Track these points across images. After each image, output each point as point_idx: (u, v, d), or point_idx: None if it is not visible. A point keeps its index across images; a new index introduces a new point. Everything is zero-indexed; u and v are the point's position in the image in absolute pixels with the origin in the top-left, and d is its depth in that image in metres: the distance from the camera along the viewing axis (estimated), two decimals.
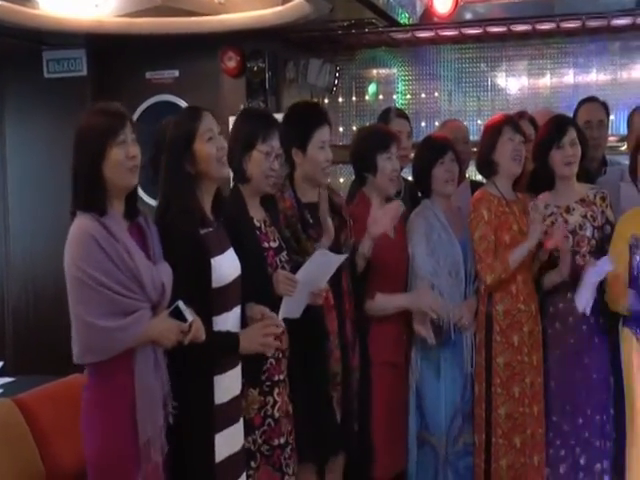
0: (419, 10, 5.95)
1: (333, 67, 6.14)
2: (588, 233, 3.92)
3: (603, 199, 3.97)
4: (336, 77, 6.23)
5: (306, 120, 3.56)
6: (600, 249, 3.90)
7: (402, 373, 3.99)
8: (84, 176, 2.70)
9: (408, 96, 6.32)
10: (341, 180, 6.18)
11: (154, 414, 2.72)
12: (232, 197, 3.25)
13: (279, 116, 3.76)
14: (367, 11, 5.55)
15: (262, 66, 5.58)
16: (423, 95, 6.29)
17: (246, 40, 5.50)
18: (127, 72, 5.84)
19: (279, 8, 5.21)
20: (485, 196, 3.97)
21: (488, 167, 4.02)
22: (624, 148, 4.98)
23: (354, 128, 6.10)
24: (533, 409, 3.89)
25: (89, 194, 2.70)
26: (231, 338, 2.96)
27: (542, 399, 3.94)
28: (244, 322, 3.07)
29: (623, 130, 5.02)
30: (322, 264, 3.29)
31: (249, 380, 3.14)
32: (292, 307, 3.21)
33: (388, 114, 4.60)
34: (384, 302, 3.85)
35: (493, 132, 4.00)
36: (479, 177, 4.44)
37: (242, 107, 5.10)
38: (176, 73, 5.82)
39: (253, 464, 3.15)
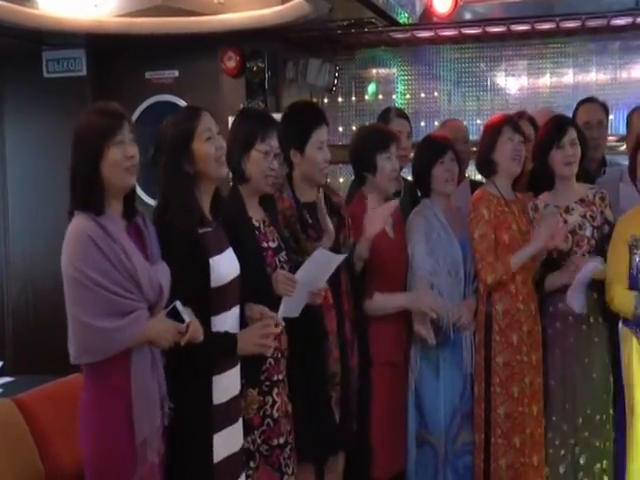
0: (418, 10, 5.95)
1: (332, 67, 6.14)
2: (588, 233, 3.92)
3: (602, 199, 3.97)
4: (335, 77, 6.22)
5: (304, 121, 3.56)
6: (599, 249, 3.90)
7: (401, 373, 3.99)
8: (82, 176, 2.70)
9: (407, 96, 6.32)
10: (341, 180, 6.18)
11: (151, 414, 2.72)
12: (231, 197, 3.25)
13: (278, 116, 3.76)
14: (366, 11, 5.54)
15: (262, 66, 5.58)
16: (422, 95, 6.28)
17: (246, 40, 5.50)
18: (127, 72, 5.85)
19: (279, 8, 5.21)
20: (484, 195, 3.97)
21: (488, 167, 4.02)
22: (623, 148, 4.98)
23: (354, 128, 6.10)
24: (532, 409, 3.89)
25: (87, 194, 2.69)
26: (229, 339, 2.96)
27: (541, 399, 3.94)
28: (243, 322, 3.07)
29: (622, 130, 5.02)
30: (321, 264, 3.29)
31: (248, 380, 3.14)
32: (291, 307, 3.21)
33: (388, 114, 4.60)
34: (383, 302, 3.85)
35: (493, 132, 4.00)
36: (479, 177, 4.44)
37: (242, 107, 5.10)
38: (176, 73, 5.82)
39: (252, 464, 3.15)
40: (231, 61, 5.62)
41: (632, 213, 3.83)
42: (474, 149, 4.48)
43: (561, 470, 3.94)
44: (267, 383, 3.19)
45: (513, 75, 6.14)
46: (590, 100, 4.74)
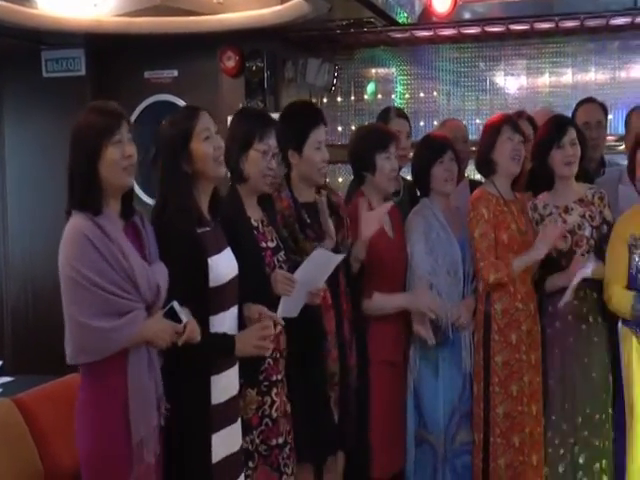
0: (418, 9, 5.94)
1: (332, 66, 6.14)
2: (587, 233, 3.92)
3: (601, 199, 3.98)
4: (335, 76, 6.23)
5: (302, 121, 3.56)
6: (598, 249, 3.90)
7: (400, 372, 4.00)
8: (80, 175, 2.70)
9: (407, 95, 6.32)
10: (340, 179, 6.18)
11: (147, 414, 2.72)
12: (229, 197, 3.25)
13: (277, 116, 3.76)
14: (366, 10, 5.54)
15: (261, 65, 5.58)
16: (422, 94, 6.28)
17: (245, 40, 5.50)
18: (126, 72, 5.85)
19: (278, 8, 5.22)
20: (484, 195, 3.98)
21: (487, 166, 4.02)
22: (622, 147, 4.98)
23: (353, 127, 6.10)
24: (531, 408, 3.90)
25: (84, 193, 2.69)
26: (227, 340, 2.96)
27: (540, 398, 3.94)
28: (241, 322, 3.07)
29: (622, 129, 5.02)
30: (320, 263, 3.29)
31: (247, 380, 3.14)
32: (290, 307, 3.21)
33: (388, 114, 4.60)
34: (382, 302, 3.86)
35: (492, 131, 4.00)
36: (478, 176, 4.44)
37: (241, 106, 5.10)
38: (175, 73, 5.82)
39: (251, 464, 3.15)
40: (230, 61, 5.62)
41: (631, 213, 3.83)
42: (473, 149, 4.48)
43: (560, 469, 3.95)
44: (266, 383, 3.19)
45: (512, 75, 6.14)
46: (589, 100, 4.74)
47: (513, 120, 4.06)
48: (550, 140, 3.94)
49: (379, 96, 6.40)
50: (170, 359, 2.84)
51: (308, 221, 3.51)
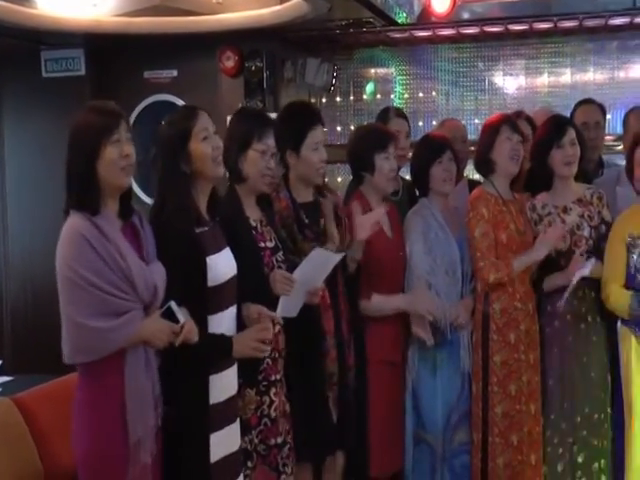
0: (417, 9, 5.95)
1: (331, 66, 6.14)
2: (586, 233, 3.93)
3: (600, 199, 3.98)
4: (334, 76, 6.23)
5: (299, 121, 3.56)
6: (597, 249, 3.91)
7: (399, 372, 4.00)
8: (78, 174, 2.70)
9: (406, 95, 6.32)
10: (339, 179, 6.18)
11: (144, 415, 2.72)
12: (228, 197, 3.25)
13: (275, 116, 3.77)
14: (365, 10, 5.55)
15: (260, 65, 5.58)
16: (421, 94, 6.28)
17: (244, 40, 5.50)
18: (125, 71, 5.85)
19: (277, 7, 5.22)
20: (483, 195, 3.98)
21: (486, 166, 4.03)
22: (621, 147, 4.99)
23: (352, 127, 6.09)
24: (530, 407, 3.90)
25: (83, 193, 2.69)
26: (224, 341, 2.96)
27: (539, 398, 3.95)
28: (240, 322, 3.08)
29: (620, 129, 5.01)
30: (319, 263, 3.29)
31: (246, 380, 3.14)
32: (289, 306, 3.22)
33: (387, 113, 4.60)
34: (381, 303, 3.86)
35: (491, 131, 4.01)
36: (477, 176, 4.45)
37: (240, 106, 5.10)
38: (174, 72, 5.82)
39: (250, 464, 3.16)
40: (229, 61, 5.62)
41: (629, 212, 3.84)
42: (472, 149, 4.48)
43: (559, 469, 3.95)
44: (264, 383, 3.19)
45: (511, 75, 6.13)
46: (588, 101, 4.75)
47: (512, 120, 4.07)
48: (550, 140, 3.94)
49: (378, 96, 6.39)
50: (168, 359, 2.84)
51: (306, 221, 3.51)
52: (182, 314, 2.75)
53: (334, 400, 3.52)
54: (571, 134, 3.95)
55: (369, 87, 6.44)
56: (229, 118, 3.43)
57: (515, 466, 3.89)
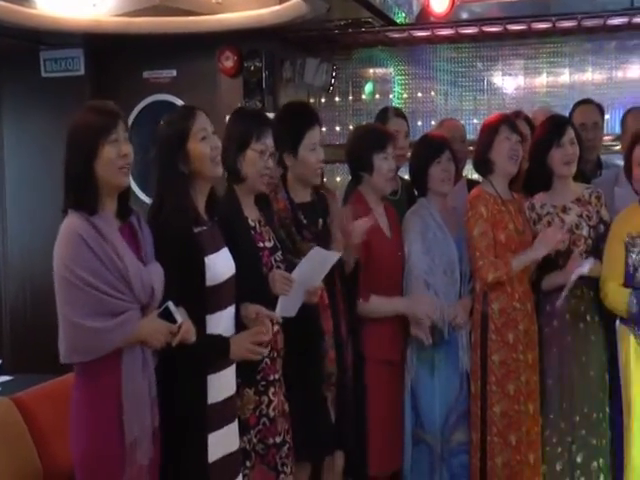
0: (415, 9, 5.95)
1: (330, 66, 6.14)
2: (584, 232, 3.93)
3: (598, 198, 3.99)
4: (333, 76, 6.22)
5: (296, 122, 3.56)
6: (596, 248, 3.92)
7: (398, 372, 4.01)
8: (76, 174, 2.70)
9: (404, 95, 6.32)
10: (338, 179, 6.18)
11: (141, 415, 2.72)
12: (226, 197, 3.25)
13: (273, 116, 3.77)
14: (364, 10, 5.55)
15: (259, 65, 5.58)
16: (419, 94, 6.28)
17: (243, 39, 5.50)
18: (124, 71, 5.84)
19: (276, 8, 5.22)
20: (481, 194, 3.99)
21: (484, 166, 4.04)
22: (619, 147, 4.99)
23: (351, 127, 6.10)
24: (528, 407, 3.91)
25: (80, 193, 2.69)
26: (222, 342, 2.96)
27: (537, 397, 3.95)
28: (238, 322, 3.08)
29: (618, 129, 5.02)
30: (317, 262, 3.29)
31: (244, 380, 3.14)
32: (288, 306, 3.22)
33: (386, 113, 4.61)
34: (379, 305, 3.87)
35: (490, 131, 4.01)
36: (476, 176, 4.45)
37: (238, 106, 5.10)
38: (173, 72, 5.82)
39: (248, 463, 3.16)
40: (229, 61, 5.62)
41: (628, 212, 3.85)
42: (471, 148, 4.48)
43: (558, 468, 3.96)
44: (263, 383, 3.19)
45: (510, 75, 6.13)
46: (586, 102, 4.76)
47: (511, 120, 4.07)
48: (550, 139, 3.95)
49: (377, 96, 6.39)
50: (166, 359, 2.84)
51: (304, 222, 3.52)
52: (180, 314, 2.75)
53: (333, 400, 3.53)
54: (570, 133, 3.96)
55: (368, 87, 6.44)
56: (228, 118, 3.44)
57: (514, 466, 3.90)
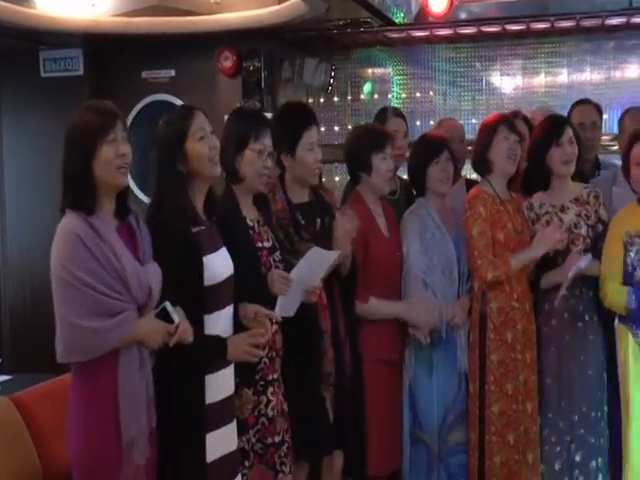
0: (414, 9, 5.95)
1: (329, 66, 6.14)
2: (583, 232, 3.94)
3: (596, 198, 4.00)
4: (332, 76, 6.23)
5: (294, 122, 3.56)
6: (594, 247, 3.92)
7: (397, 371, 4.01)
8: (74, 174, 2.70)
9: (403, 95, 6.32)
10: (337, 179, 6.19)
11: (137, 415, 2.72)
12: (225, 197, 3.25)
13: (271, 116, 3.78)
14: (362, 10, 5.55)
15: (258, 65, 5.58)
16: (418, 94, 6.29)
17: (242, 40, 5.50)
18: (123, 71, 5.84)
19: (275, 8, 5.22)
20: (480, 194, 3.99)
21: (483, 165, 4.04)
22: (617, 148, 5.00)
23: (349, 127, 6.11)
24: (527, 406, 3.91)
25: (78, 192, 2.69)
26: (219, 343, 2.96)
27: (536, 397, 3.96)
28: (237, 322, 3.08)
29: (616, 129, 5.03)
30: (316, 262, 3.29)
31: (243, 380, 3.14)
32: (287, 306, 3.22)
33: (385, 113, 4.61)
34: (378, 307, 3.87)
35: (488, 131, 4.02)
36: (474, 176, 4.46)
37: (238, 106, 5.11)
38: (172, 72, 5.82)
39: (247, 463, 3.15)
40: (227, 61, 5.62)
41: (626, 211, 3.86)
42: (470, 148, 4.49)
43: (557, 467, 3.96)
44: (262, 382, 3.19)
45: (508, 74, 6.14)
46: (584, 102, 4.77)
47: (509, 120, 4.08)
48: (549, 139, 3.95)
49: (376, 96, 6.40)
50: (163, 359, 2.84)
51: (302, 222, 3.52)
52: (177, 314, 2.75)
53: (331, 400, 3.53)
54: (569, 133, 3.97)
55: (367, 87, 6.44)
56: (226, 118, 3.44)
57: (512, 465, 3.90)
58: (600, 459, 3.95)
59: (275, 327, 3.20)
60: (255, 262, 3.21)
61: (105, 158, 2.69)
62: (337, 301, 3.63)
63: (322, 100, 6.38)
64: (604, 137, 5.15)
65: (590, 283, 3.91)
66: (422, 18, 5.85)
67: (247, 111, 4.17)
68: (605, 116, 5.11)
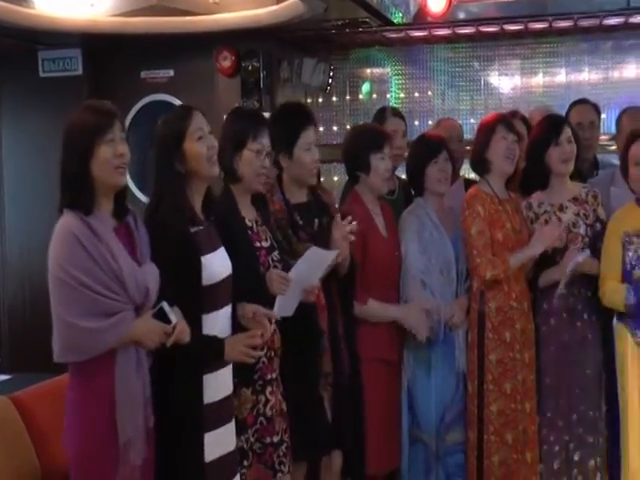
0: (413, 9, 5.95)
1: (327, 66, 6.15)
2: (582, 231, 3.95)
3: (595, 197, 4.01)
4: (330, 76, 6.24)
5: (291, 123, 3.56)
6: (593, 247, 3.93)
7: (396, 371, 4.01)
8: (72, 174, 2.70)
9: (402, 95, 6.33)
10: (335, 178, 6.19)
11: (134, 415, 2.71)
12: (223, 197, 3.25)
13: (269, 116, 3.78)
14: (361, 10, 5.56)
15: (257, 65, 5.58)
16: (416, 94, 6.29)
17: (241, 39, 5.50)
18: (122, 71, 5.84)
19: (274, 8, 5.22)
20: (478, 193, 4.00)
21: (481, 165, 4.05)
22: (615, 147, 5.01)
23: (348, 127, 6.11)
24: (525, 406, 3.92)
25: (76, 192, 2.70)
26: (216, 343, 2.96)
27: (534, 396, 3.96)
28: (235, 322, 3.08)
29: (614, 129, 5.04)
30: (314, 262, 3.30)
31: (241, 379, 3.14)
32: (285, 305, 3.22)
33: (383, 113, 4.62)
34: (376, 310, 3.88)
35: (487, 130, 4.02)
36: (473, 175, 4.46)
37: (236, 106, 5.11)
38: (171, 72, 5.82)
39: (245, 463, 3.16)
40: (226, 61, 5.62)
41: (624, 210, 3.87)
42: (468, 148, 4.50)
43: (555, 466, 3.97)
44: (260, 382, 3.19)
45: (506, 74, 6.15)
46: (582, 101, 4.77)
47: (507, 120, 4.08)
48: (547, 138, 3.96)
49: (374, 96, 6.41)
50: (161, 359, 2.84)
51: (300, 222, 3.52)
52: (174, 314, 2.75)
53: (329, 400, 3.53)
54: (568, 132, 3.98)
55: (365, 87, 6.45)
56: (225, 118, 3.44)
57: (510, 464, 3.90)
58: (599, 458, 3.96)
59: (274, 327, 3.20)
60: (253, 262, 3.21)
61: (103, 158, 2.69)
62: (335, 301, 3.62)
63: (320, 100, 6.39)
64: (602, 137, 5.16)
65: (589, 282, 3.92)
66: (420, 18, 5.86)
67: (245, 111, 4.18)
68: (603, 116, 5.11)
